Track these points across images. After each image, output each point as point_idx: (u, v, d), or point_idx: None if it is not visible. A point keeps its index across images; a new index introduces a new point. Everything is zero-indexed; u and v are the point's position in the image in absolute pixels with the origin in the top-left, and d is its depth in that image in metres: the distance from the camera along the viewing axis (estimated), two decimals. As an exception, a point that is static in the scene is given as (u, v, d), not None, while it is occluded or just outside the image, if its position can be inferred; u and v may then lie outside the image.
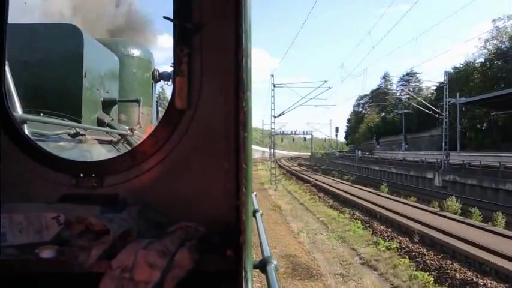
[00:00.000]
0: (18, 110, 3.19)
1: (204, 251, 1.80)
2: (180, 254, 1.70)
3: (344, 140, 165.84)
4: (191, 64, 2.18)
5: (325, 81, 50.50)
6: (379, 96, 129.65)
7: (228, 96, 2.17)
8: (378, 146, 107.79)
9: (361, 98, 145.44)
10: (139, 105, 7.06)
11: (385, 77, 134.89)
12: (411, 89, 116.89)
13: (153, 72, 8.56)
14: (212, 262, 1.80)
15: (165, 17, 2.30)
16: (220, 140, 2.19)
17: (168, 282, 1.62)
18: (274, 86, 50.90)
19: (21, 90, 4.99)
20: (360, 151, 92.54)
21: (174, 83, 2.20)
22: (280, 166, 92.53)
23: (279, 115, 51.92)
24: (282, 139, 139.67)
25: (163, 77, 8.84)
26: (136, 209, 2.05)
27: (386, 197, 34.25)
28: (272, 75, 52.17)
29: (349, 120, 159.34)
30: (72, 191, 2.19)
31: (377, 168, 64.70)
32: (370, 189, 40.53)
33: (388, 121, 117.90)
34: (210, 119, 2.19)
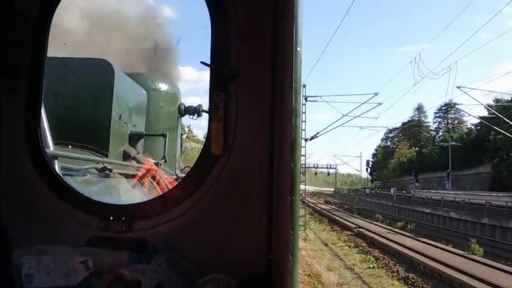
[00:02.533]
0: (50, 146, 3.22)
1: None
2: (212, 311, 1.63)
3: (369, 176, 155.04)
4: (227, 110, 2.17)
5: (376, 94, 40.07)
6: (411, 129, 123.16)
7: (262, 144, 2.14)
8: (417, 184, 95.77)
9: (390, 131, 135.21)
10: (165, 140, 7.11)
11: (419, 109, 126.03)
12: (450, 121, 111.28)
13: (179, 106, 8.66)
14: None
15: (202, 62, 2.31)
16: (253, 188, 2.15)
17: None
18: (306, 99, 38.95)
19: (51, 122, 5.10)
20: (393, 189, 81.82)
21: (209, 128, 2.18)
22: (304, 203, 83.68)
23: (312, 138, 41.71)
24: (303, 173, 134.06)
25: (189, 111, 8.93)
26: (165, 257, 1.99)
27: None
28: (304, 85, 37.67)
29: (374, 155, 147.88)
30: (101, 233, 2.16)
31: (428, 211, 51.12)
32: (450, 247, 28.32)
33: (424, 156, 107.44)
34: (244, 166, 2.15)
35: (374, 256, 25.74)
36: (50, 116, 5.20)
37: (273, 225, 2.01)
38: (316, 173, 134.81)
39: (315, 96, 41.52)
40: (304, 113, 37.04)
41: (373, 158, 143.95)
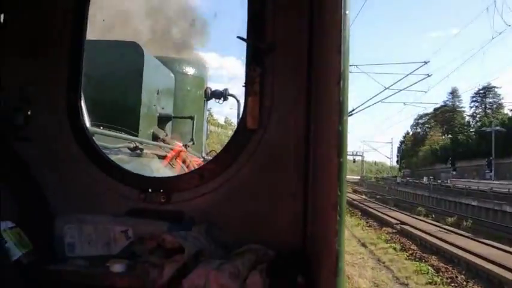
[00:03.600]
0: (87, 123, 3.29)
1: (274, 276, 1.75)
2: (252, 278, 1.65)
3: (396, 164, 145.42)
4: (263, 84, 2.17)
5: (425, 63, 35.15)
6: (444, 115, 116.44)
7: (298, 118, 2.14)
8: (454, 172, 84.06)
9: (420, 117, 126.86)
10: (193, 122, 7.17)
11: (453, 93, 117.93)
12: (488, 106, 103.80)
13: (205, 90, 8.70)
14: (284, 286, 1.74)
15: (238, 37, 2.31)
16: (290, 162, 2.15)
17: None
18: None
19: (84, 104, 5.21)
20: (426, 178, 77.78)
21: (245, 102, 2.19)
22: None
23: (350, 114, 33.22)
24: None
25: (215, 95, 8.97)
26: (203, 227, 2.03)
27: None
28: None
29: (402, 142, 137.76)
30: (140, 205, 2.21)
31: (475, 203, 42.64)
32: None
33: (460, 143, 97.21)
34: (280, 140, 2.16)
35: (432, 265, 17.98)
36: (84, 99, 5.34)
37: (310, 198, 2.02)
38: None
39: (351, 66, 35.86)
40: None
41: (401, 145, 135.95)
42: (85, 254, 2.09)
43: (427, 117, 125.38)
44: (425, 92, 43.74)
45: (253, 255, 1.80)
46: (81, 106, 2.44)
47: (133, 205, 2.21)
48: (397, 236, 26.11)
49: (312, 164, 2.06)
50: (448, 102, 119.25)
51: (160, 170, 4.48)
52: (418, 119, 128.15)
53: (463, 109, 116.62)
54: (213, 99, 9.18)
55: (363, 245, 23.52)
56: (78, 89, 2.44)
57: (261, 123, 2.15)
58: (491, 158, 69.40)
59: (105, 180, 2.29)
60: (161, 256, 1.70)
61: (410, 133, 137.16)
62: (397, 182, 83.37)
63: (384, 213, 37.14)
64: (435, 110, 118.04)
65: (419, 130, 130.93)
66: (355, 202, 49.40)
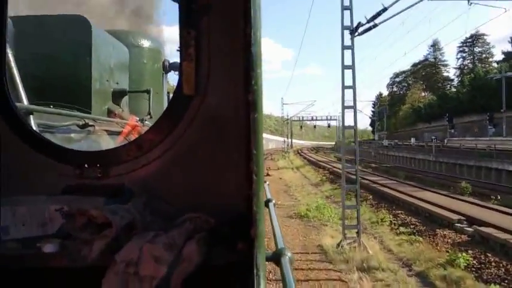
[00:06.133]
0: (24, 101, 3.12)
1: (213, 244, 1.70)
2: (188, 247, 1.60)
3: (370, 127, 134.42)
4: (199, 48, 2.07)
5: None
6: (425, 70, 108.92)
7: (237, 81, 2.06)
8: (452, 131, 72.75)
9: (397, 75, 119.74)
10: (149, 96, 6.99)
11: (434, 46, 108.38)
12: (476, 55, 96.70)
13: (163, 63, 8.47)
14: (222, 255, 1.70)
15: None
16: (230, 128, 2.08)
17: (175, 277, 1.52)
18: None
19: (30, 82, 4.96)
20: (413, 139, 69.38)
21: (180, 68, 2.09)
22: (306, 159, 70.90)
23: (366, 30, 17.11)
24: (301, 127, 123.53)
25: (174, 67, 8.75)
26: (142, 199, 1.96)
27: None
28: None
29: (375, 104, 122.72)
30: (77, 181, 2.11)
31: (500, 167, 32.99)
32: None
33: (450, 97, 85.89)
34: (219, 105, 2.07)
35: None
36: (28, 77, 5.10)
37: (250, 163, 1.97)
38: (315, 126, 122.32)
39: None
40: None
41: (373, 106, 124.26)
42: (20, 236, 1.99)
43: (404, 75, 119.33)
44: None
45: (191, 224, 1.75)
46: (6, 82, 2.28)
47: (69, 182, 2.11)
48: (481, 254, 13.52)
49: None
50: (428, 56, 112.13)
51: (112, 146, 4.33)
52: (394, 78, 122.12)
53: (446, 62, 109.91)
54: (172, 71, 8.96)
55: (388, 251, 14.81)
56: (1, 64, 2.28)
57: (198, 89, 2.06)
58: (502, 110, 59.26)
59: (38, 159, 2.17)
60: (93, 232, 1.63)
61: (385, 93, 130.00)
62: (384, 146, 73.36)
63: (411, 196, 23.64)
64: (414, 65, 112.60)
65: (395, 89, 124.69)
66: (352, 175, 24.19)
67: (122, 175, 2.11)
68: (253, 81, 1.11)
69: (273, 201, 3.86)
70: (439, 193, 25.71)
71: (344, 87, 15.33)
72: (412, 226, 18.36)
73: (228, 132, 2.08)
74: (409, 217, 20.10)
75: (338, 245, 14.73)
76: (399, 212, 21.46)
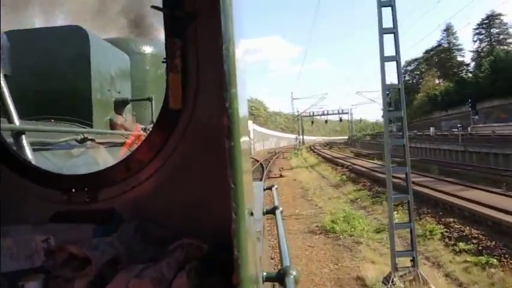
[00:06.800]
0: (16, 121, 3.02)
1: (206, 274, 1.57)
2: (178, 280, 1.46)
3: (382, 118, 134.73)
4: (186, 58, 1.93)
5: None
6: (439, 56, 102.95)
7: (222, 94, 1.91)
8: (476, 117, 67.27)
9: (409, 63, 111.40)
10: (151, 104, 6.89)
11: (448, 30, 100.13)
12: (494, 37, 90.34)
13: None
14: (216, 287, 1.56)
15: (153, 6, 2.06)
16: (222, 142, 1.94)
17: None
18: None
19: (29, 97, 4.89)
20: (432, 128, 62.86)
21: (167, 80, 1.95)
22: (320, 155, 62.09)
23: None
24: (312, 122, 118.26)
25: None
26: (132, 224, 1.83)
27: None
28: None
29: (388, 95, 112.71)
30: (64, 207, 1.99)
31: None
32: None
33: (468, 83, 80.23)
34: (210, 119, 1.93)
35: None
36: (27, 91, 5.02)
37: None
38: (326, 121, 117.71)
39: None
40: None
41: (386, 97, 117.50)
42: (8, 269, 1.88)
43: (416, 62, 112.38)
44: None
45: (182, 252, 1.62)
46: None
47: (56, 208, 2.00)
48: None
49: None
50: (442, 42, 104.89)
51: (108, 160, 4.22)
52: (406, 66, 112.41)
53: (460, 47, 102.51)
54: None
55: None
56: None
57: (186, 103, 1.92)
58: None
59: (24, 185, 2.06)
60: (74, 269, 1.50)
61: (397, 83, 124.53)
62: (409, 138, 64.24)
63: (459, 197, 18.36)
64: (427, 52, 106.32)
65: (408, 78, 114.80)
66: (379, 174, 26.61)
67: (112, 199, 1.99)
68: (227, 103, 0.97)
69: (280, 209, 3.70)
70: (492, 192, 19.61)
71: (383, 58, 11.22)
72: (474, 241, 13.28)
73: (221, 147, 1.94)
74: (467, 227, 14.64)
75: (386, 279, 10.39)
76: (450, 220, 15.98)
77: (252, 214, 1.54)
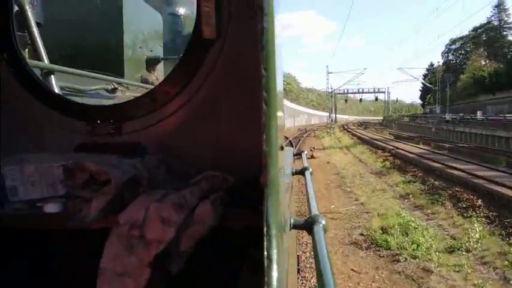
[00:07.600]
0: (45, 60, 2.97)
1: (231, 205, 1.47)
2: (201, 208, 1.37)
3: (419, 100, 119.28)
4: None
5: None
6: (488, 35, 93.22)
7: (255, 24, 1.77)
8: None
9: (453, 42, 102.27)
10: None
11: (499, 6, 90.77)
12: None
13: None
14: (240, 217, 1.46)
15: None
16: (255, 77, 1.82)
17: (185, 240, 1.31)
18: None
19: (62, 49, 4.87)
20: (479, 112, 58.15)
21: (198, 8, 1.83)
22: (355, 136, 55.31)
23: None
24: (346, 100, 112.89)
25: None
26: (156, 157, 1.74)
27: None
28: None
29: (426, 76, 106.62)
30: (88, 139, 1.93)
31: None
32: None
33: None
34: (242, 51, 1.81)
35: None
36: (59, 43, 4.99)
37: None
38: (361, 100, 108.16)
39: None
40: None
41: (424, 78, 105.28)
42: (29, 197, 1.84)
43: (462, 41, 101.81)
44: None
45: (207, 183, 1.52)
46: (14, 32, 2.10)
47: (80, 140, 1.93)
48: None
49: None
50: (492, 19, 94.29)
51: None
52: (450, 45, 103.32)
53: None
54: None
55: None
56: (8, 12, 2.09)
57: (219, 33, 1.80)
58: None
59: (48, 114, 2.01)
60: (94, 190, 1.43)
61: (438, 63, 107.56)
62: (446, 120, 58.90)
63: None
64: (475, 29, 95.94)
65: (451, 57, 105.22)
66: (424, 160, 22.72)
67: (137, 132, 1.91)
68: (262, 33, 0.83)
69: (310, 170, 3.56)
70: None
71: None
72: None
73: (252, 81, 1.82)
74: None
75: None
76: None
77: (282, 148, 1.43)
